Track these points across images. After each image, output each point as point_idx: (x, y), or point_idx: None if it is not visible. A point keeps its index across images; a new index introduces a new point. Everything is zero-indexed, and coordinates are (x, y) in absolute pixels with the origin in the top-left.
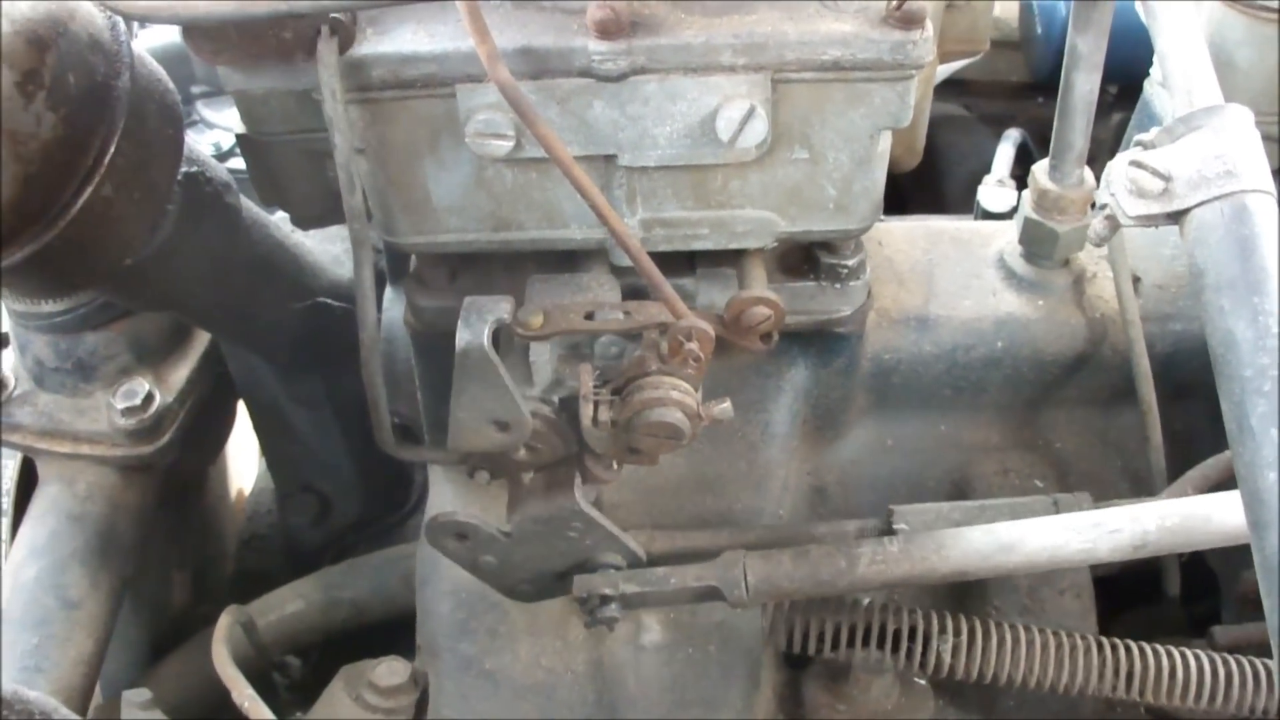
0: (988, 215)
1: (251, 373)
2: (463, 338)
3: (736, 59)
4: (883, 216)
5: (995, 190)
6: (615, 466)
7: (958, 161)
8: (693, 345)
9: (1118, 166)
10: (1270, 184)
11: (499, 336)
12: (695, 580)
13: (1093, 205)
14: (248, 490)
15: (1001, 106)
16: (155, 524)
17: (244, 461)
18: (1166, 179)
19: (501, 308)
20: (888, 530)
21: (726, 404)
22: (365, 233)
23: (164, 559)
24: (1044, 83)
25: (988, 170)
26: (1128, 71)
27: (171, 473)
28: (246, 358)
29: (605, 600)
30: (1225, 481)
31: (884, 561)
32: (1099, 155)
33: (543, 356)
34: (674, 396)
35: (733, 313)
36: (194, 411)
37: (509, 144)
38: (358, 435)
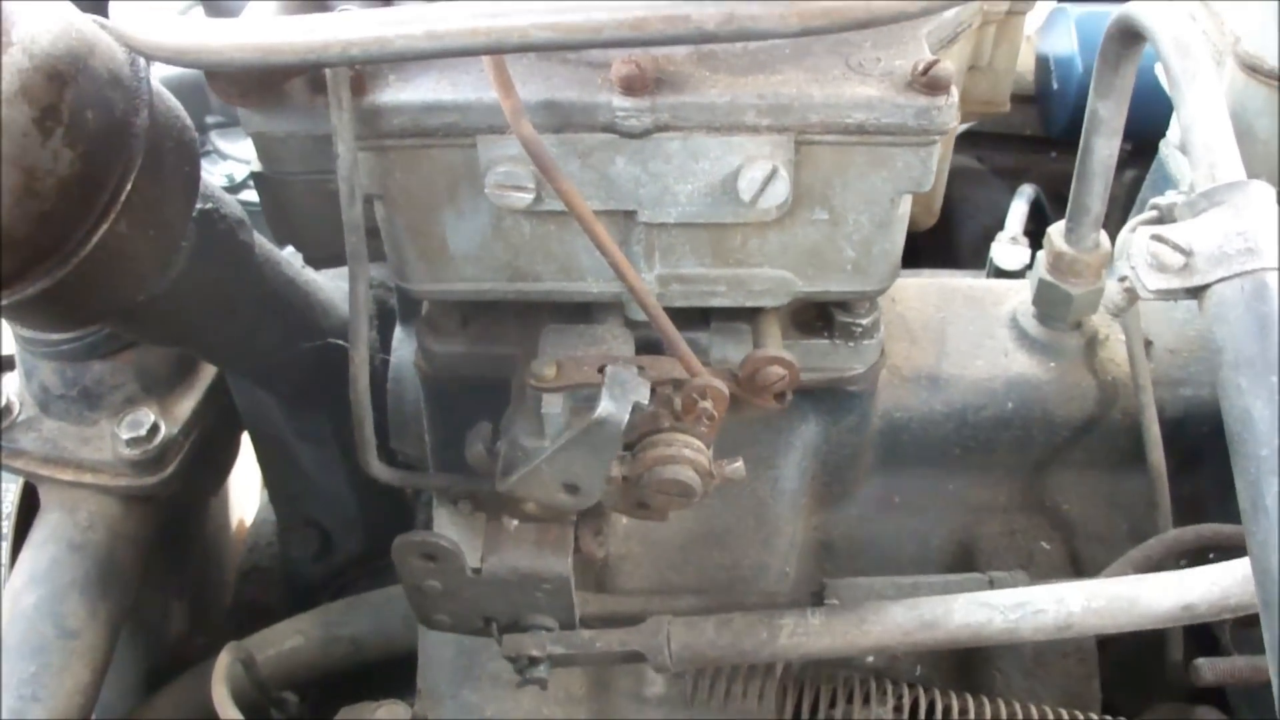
0: (1001, 273)
1: (258, 407)
2: (605, 408)
3: (760, 119)
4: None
5: (1009, 248)
6: (604, 544)
7: (970, 215)
8: (707, 404)
9: (1139, 240)
10: None
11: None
12: (620, 644)
13: (1107, 268)
14: (249, 521)
15: (1015, 160)
16: (155, 554)
17: (245, 492)
18: (1187, 254)
19: (643, 391)
20: (819, 603)
21: (739, 464)
22: (362, 247)
23: (163, 588)
24: (1059, 138)
25: (1000, 224)
26: (1142, 129)
27: (173, 503)
28: (253, 392)
29: (534, 661)
30: (1166, 562)
31: (805, 634)
32: (1111, 213)
33: (555, 408)
34: (686, 454)
35: (747, 371)
36: (198, 443)
37: (529, 196)
38: (362, 472)
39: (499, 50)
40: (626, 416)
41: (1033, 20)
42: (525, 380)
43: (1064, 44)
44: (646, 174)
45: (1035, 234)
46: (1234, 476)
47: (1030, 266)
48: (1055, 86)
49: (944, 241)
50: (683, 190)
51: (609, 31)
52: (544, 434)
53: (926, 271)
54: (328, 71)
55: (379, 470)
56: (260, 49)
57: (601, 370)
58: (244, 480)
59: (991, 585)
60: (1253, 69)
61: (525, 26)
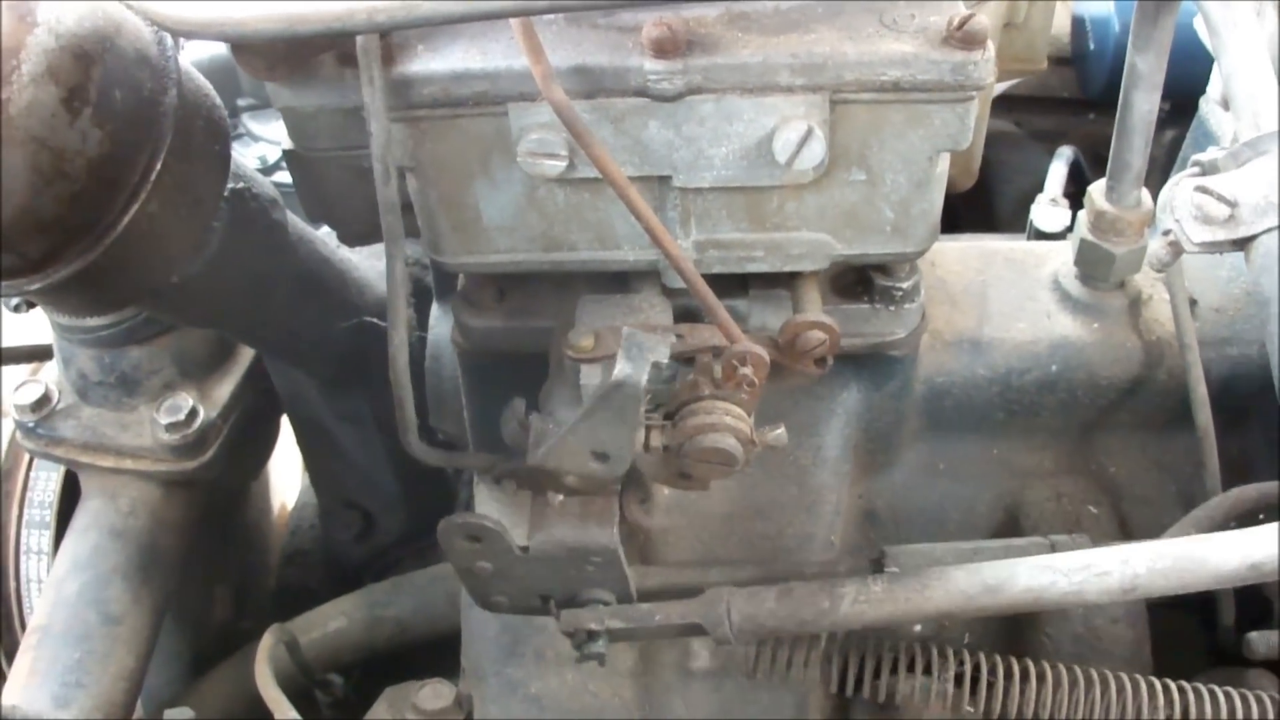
0: (1041, 235)
1: (296, 389)
2: (622, 370)
3: (794, 79)
4: None
5: (1048, 210)
6: (650, 512)
7: (1009, 179)
8: (747, 370)
9: (1182, 192)
10: None
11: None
12: (680, 617)
13: (1150, 226)
14: (290, 505)
15: (1053, 123)
16: (198, 539)
17: (286, 475)
18: (1232, 205)
19: (662, 350)
20: (879, 570)
21: (780, 430)
22: (399, 226)
23: (206, 574)
24: (1096, 99)
25: (1039, 188)
26: (1181, 87)
27: (214, 487)
28: (291, 374)
29: (592, 635)
30: (1228, 522)
31: (867, 601)
32: (1151, 173)
33: (593, 379)
34: (727, 422)
35: (787, 337)
36: (238, 427)
37: (562, 164)
38: (403, 453)
39: (528, 13)
40: (644, 378)
41: None
42: (563, 352)
43: (1100, 4)
44: (680, 138)
45: (1074, 196)
46: None
47: (1070, 228)
48: (1092, 47)
49: (982, 205)
50: (717, 154)
51: None
52: (582, 406)
53: (965, 236)
54: (358, 43)
55: (420, 451)
56: (285, 19)
57: None
58: (285, 464)
59: (1053, 549)
60: None
61: None
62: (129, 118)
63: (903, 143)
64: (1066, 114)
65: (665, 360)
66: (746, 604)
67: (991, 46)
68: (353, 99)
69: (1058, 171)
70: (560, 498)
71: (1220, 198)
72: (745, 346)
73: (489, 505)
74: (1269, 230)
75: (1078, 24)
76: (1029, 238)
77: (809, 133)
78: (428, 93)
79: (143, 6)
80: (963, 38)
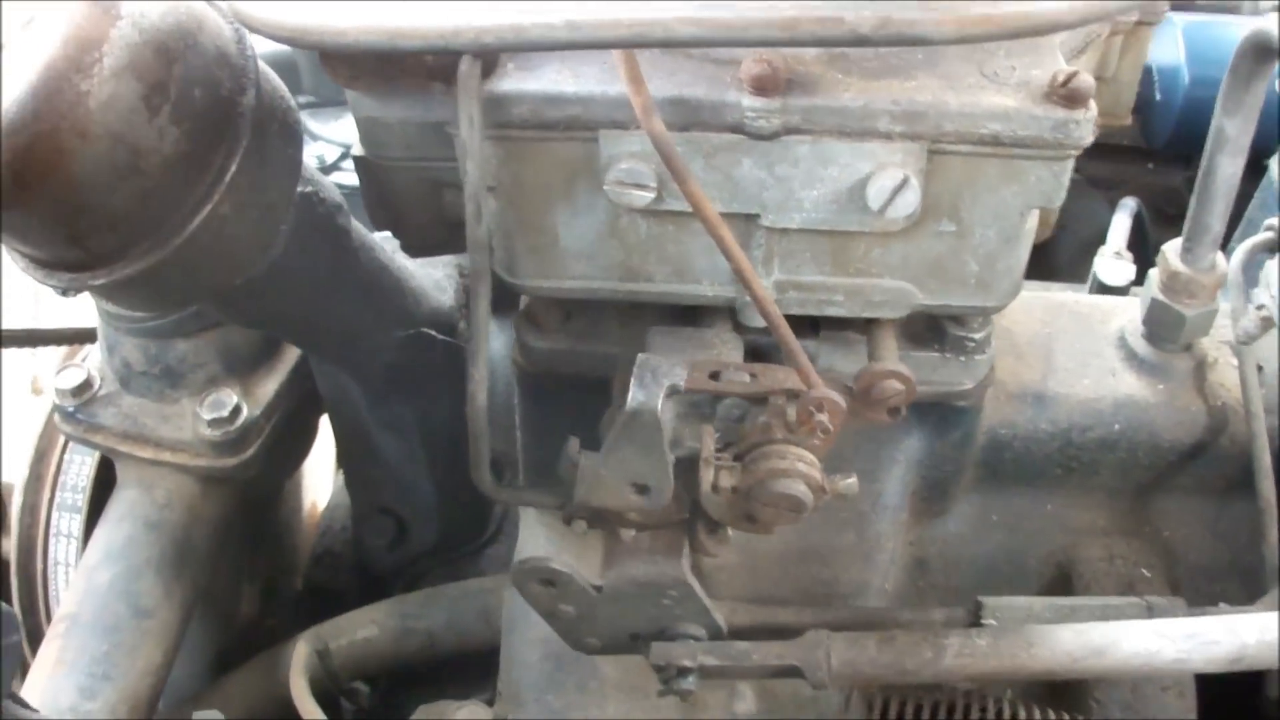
0: (1104, 288)
1: (341, 393)
2: (636, 398)
3: (894, 126)
4: None
5: (1113, 263)
6: (724, 540)
7: (1068, 227)
8: (822, 417)
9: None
10: None
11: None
12: (777, 658)
13: (1221, 289)
14: (321, 504)
15: (1112, 170)
16: (229, 535)
17: (318, 474)
18: None
19: (677, 373)
20: (975, 621)
21: (853, 479)
22: (487, 265)
23: (235, 570)
24: (1159, 149)
25: (1097, 236)
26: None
27: (250, 485)
28: (337, 377)
29: (683, 671)
30: None
31: (971, 655)
32: None
33: (661, 414)
34: (799, 468)
35: (863, 384)
36: (279, 426)
37: (650, 195)
38: (442, 463)
39: (640, 44)
40: (659, 404)
41: None
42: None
43: (1169, 53)
44: (772, 177)
45: (1133, 247)
46: None
47: (1135, 282)
48: (1158, 97)
49: (1041, 253)
50: (808, 195)
51: (757, 31)
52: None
53: (1025, 283)
54: (461, 73)
55: (491, 488)
56: (387, 32)
57: (714, 377)
58: (317, 462)
59: (1150, 610)
60: None
61: (670, 21)
62: (207, 117)
63: (995, 197)
64: (1126, 162)
65: (681, 384)
66: (847, 649)
67: (1094, 106)
68: (437, 114)
69: (1121, 224)
70: (631, 533)
71: None
72: (823, 393)
73: (535, 532)
74: None
75: (1144, 72)
76: (1091, 290)
77: (904, 181)
78: (517, 113)
79: (234, 8)
80: (1067, 95)
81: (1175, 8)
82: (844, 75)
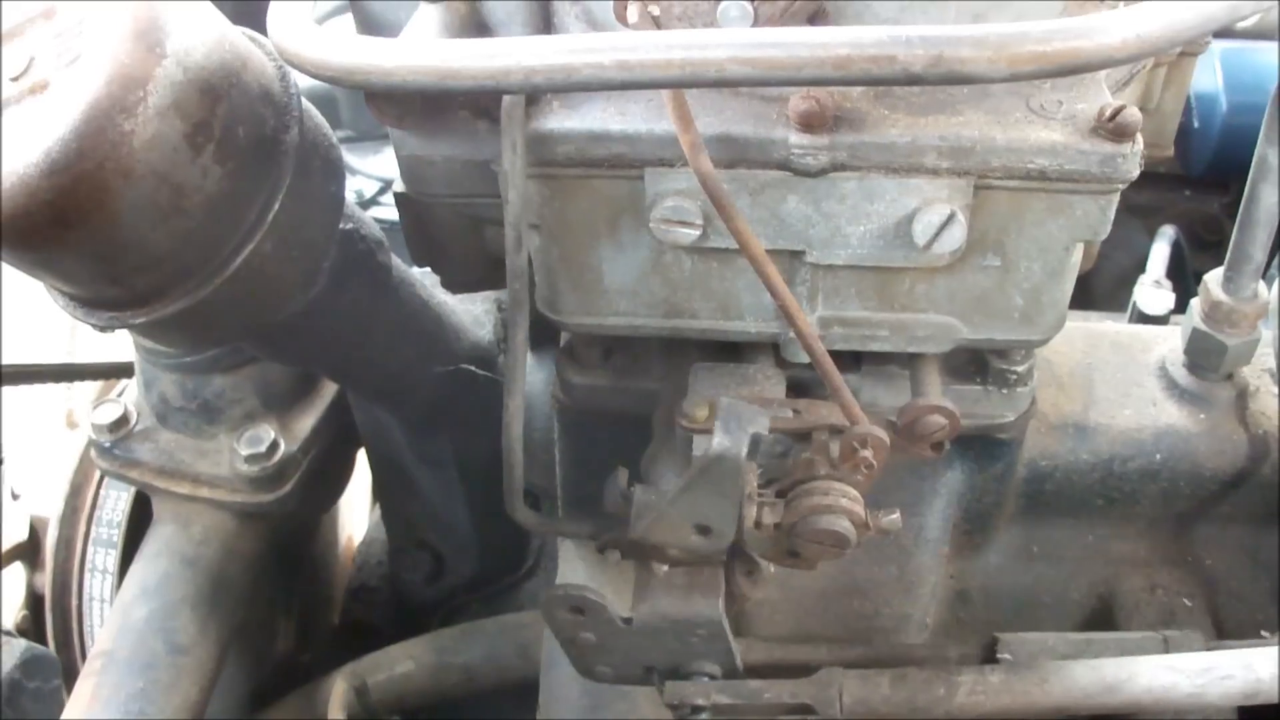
0: (1144, 317)
1: (379, 427)
2: (721, 444)
3: (941, 161)
4: None
5: (1152, 292)
6: (759, 583)
7: (1106, 255)
8: (867, 453)
9: None
10: None
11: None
12: (790, 696)
13: (1263, 319)
14: (358, 538)
15: (1149, 198)
16: (265, 570)
17: (355, 509)
18: None
19: (761, 422)
20: (990, 657)
21: (896, 515)
22: (525, 294)
23: (271, 605)
24: (1197, 176)
25: (1135, 264)
26: None
27: (286, 520)
28: (376, 412)
29: (697, 710)
30: None
31: (984, 692)
32: None
33: (703, 448)
34: (843, 504)
35: (907, 419)
36: (316, 461)
37: (696, 233)
38: (480, 497)
39: (692, 84)
40: (744, 451)
41: None
42: (675, 420)
43: (1207, 80)
44: (819, 214)
45: (1171, 275)
46: None
47: (1175, 311)
48: (1196, 124)
49: (1080, 282)
50: (854, 232)
51: (810, 70)
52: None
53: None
54: (504, 105)
55: (526, 518)
56: (436, 72)
57: None
58: (353, 497)
59: (1166, 644)
60: None
61: (722, 60)
62: (250, 156)
63: (1041, 231)
64: (1164, 190)
65: (765, 432)
66: (859, 687)
67: (1140, 140)
68: (483, 153)
69: (1160, 252)
70: (665, 568)
71: None
72: (867, 429)
73: (576, 564)
74: None
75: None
76: (1131, 319)
77: (951, 217)
78: (562, 151)
79: (280, 46)
80: (1114, 129)
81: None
82: (890, 111)
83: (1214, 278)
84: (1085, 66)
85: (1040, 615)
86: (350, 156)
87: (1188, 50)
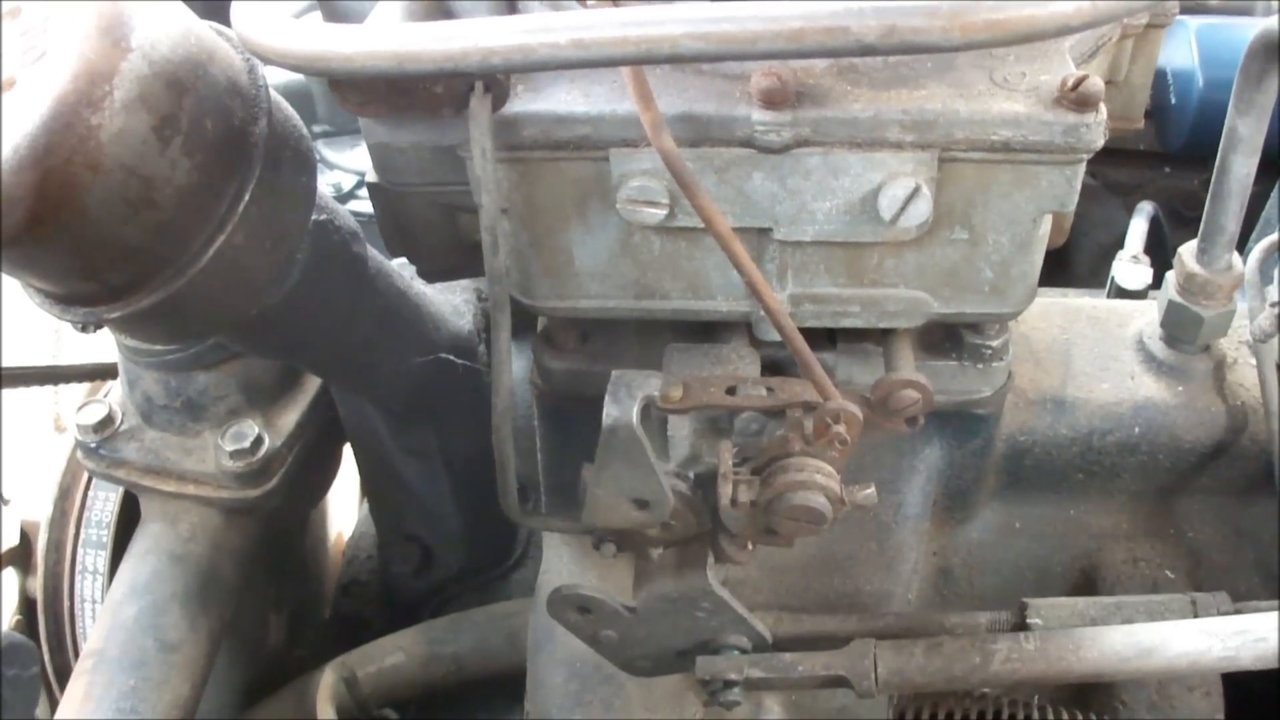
0: (1123, 292)
1: (363, 420)
2: (610, 414)
3: (904, 135)
4: None
5: (1130, 267)
6: (749, 547)
7: (1085, 232)
8: (840, 428)
9: None
10: None
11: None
12: (824, 669)
13: (1239, 290)
14: (347, 534)
15: (1128, 175)
16: (254, 566)
17: (344, 503)
18: None
19: (651, 384)
20: (1020, 623)
21: (871, 490)
22: (506, 296)
23: (261, 601)
24: (1175, 153)
25: (1115, 241)
26: (1268, 146)
27: (275, 515)
28: (359, 405)
29: (729, 684)
30: None
31: (1019, 659)
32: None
33: (680, 430)
34: (818, 480)
35: (880, 395)
36: (301, 456)
37: (662, 212)
38: (466, 488)
39: (648, 61)
40: (634, 417)
41: None
42: (650, 402)
43: (1183, 57)
44: (784, 190)
45: (1152, 251)
46: None
47: (1153, 286)
48: (1173, 101)
49: (1060, 259)
50: (821, 208)
51: (764, 43)
52: (669, 456)
53: (1044, 290)
54: (473, 98)
55: (518, 514)
56: (395, 57)
57: (731, 392)
58: (342, 491)
59: (1195, 606)
60: None
61: (677, 36)
62: (219, 148)
63: (1008, 203)
64: (1143, 167)
65: (656, 395)
66: (894, 658)
67: (1104, 109)
68: (449, 138)
69: (1138, 228)
70: (659, 551)
71: None
72: (839, 404)
73: (559, 552)
74: None
75: (1159, 77)
76: (1110, 295)
77: (916, 190)
78: (528, 135)
79: (243, 36)
80: (1077, 99)
81: (1187, 10)
82: (853, 86)
83: (1188, 250)
84: (1040, 34)
85: (1023, 590)
86: (327, 151)
87: (1154, 22)
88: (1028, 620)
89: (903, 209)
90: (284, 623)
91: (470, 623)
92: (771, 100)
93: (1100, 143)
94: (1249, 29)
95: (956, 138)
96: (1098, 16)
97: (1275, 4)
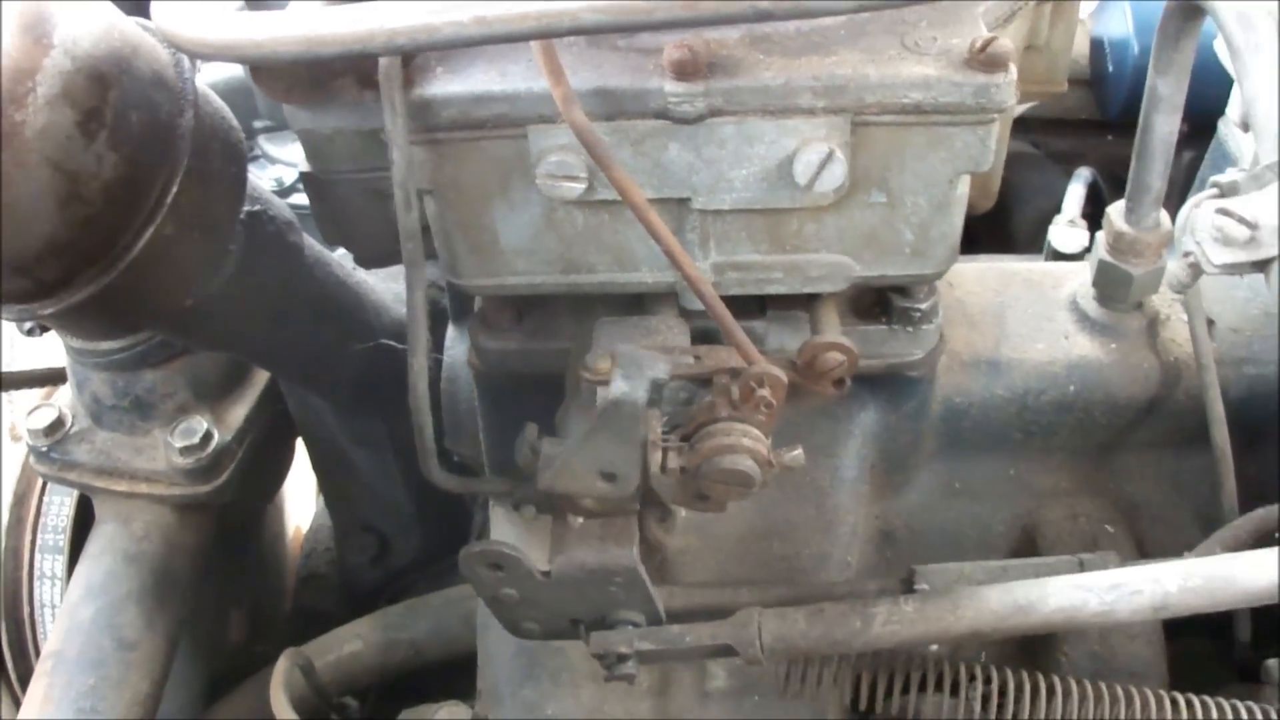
0: (1059, 256)
1: (311, 412)
2: (619, 389)
3: (816, 101)
4: None
5: (1066, 230)
6: (672, 529)
7: (1027, 200)
8: (764, 392)
9: (1203, 213)
10: None
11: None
12: (710, 638)
13: (1168, 248)
14: (305, 527)
15: (1070, 144)
16: (212, 562)
17: (301, 498)
18: (1253, 226)
19: (660, 366)
20: (909, 588)
21: (798, 451)
22: (419, 253)
23: (221, 597)
24: (1114, 120)
25: (1057, 209)
26: (1200, 108)
27: (229, 510)
28: (306, 397)
29: (622, 658)
30: (1256, 541)
31: (899, 622)
32: (1170, 194)
33: (604, 397)
34: (745, 444)
35: (805, 358)
36: (252, 450)
37: (581, 186)
38: (418, 475)
39: (549, 35)
40: (643, 395)
41: (1087, 4)
42: (579, 374)
43: (1119, 26)
44: (700, 160)
45: (1093, 217)
46: None
47: (1089, 249)
48: (1110, 69)
49: (1000, 226)
50: (737, 176)
51: (661, 13)
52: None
53: (983, 256)
54: (380, 67)
55: (440, 478)
56: (304, 40)
57: None
58: (300, 487)
59: (1082, 566)
60: None
61: (575, 10)
62: (145, 141)
63: (923, 165)
64: (1085, 135)
65: (665, 377)
66: (778, 625)
67: (1014, 69)
68: (372, 121)
69: (1075, 193)
70: (580, 520)
71: (1241, 219)
72: (762, 368)
73: (505, 529)
74: None
75: (1096, 46)
76: (1046, 258)
77: (830, 155)
78: (447, 115)
79: (160, 28)
80: (985, 60)
81: None
82: (765, 55)
83: (1116, 209)
84: None
85: (965, 550)
86: (269, 145)
87: None
88: (915, 586)
89: (818, 174)
90: (245, 618)
91: (427, 607)
92: (684, 71)
93: (1011, 102)
94: None
95: (868, 102)
96: None
97: None
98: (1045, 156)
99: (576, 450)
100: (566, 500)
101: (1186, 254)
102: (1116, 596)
